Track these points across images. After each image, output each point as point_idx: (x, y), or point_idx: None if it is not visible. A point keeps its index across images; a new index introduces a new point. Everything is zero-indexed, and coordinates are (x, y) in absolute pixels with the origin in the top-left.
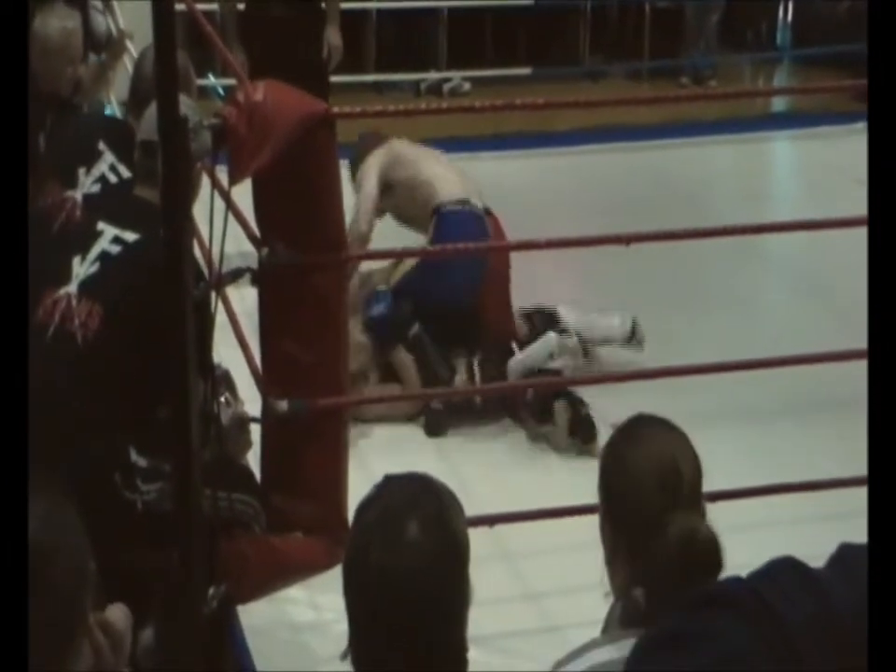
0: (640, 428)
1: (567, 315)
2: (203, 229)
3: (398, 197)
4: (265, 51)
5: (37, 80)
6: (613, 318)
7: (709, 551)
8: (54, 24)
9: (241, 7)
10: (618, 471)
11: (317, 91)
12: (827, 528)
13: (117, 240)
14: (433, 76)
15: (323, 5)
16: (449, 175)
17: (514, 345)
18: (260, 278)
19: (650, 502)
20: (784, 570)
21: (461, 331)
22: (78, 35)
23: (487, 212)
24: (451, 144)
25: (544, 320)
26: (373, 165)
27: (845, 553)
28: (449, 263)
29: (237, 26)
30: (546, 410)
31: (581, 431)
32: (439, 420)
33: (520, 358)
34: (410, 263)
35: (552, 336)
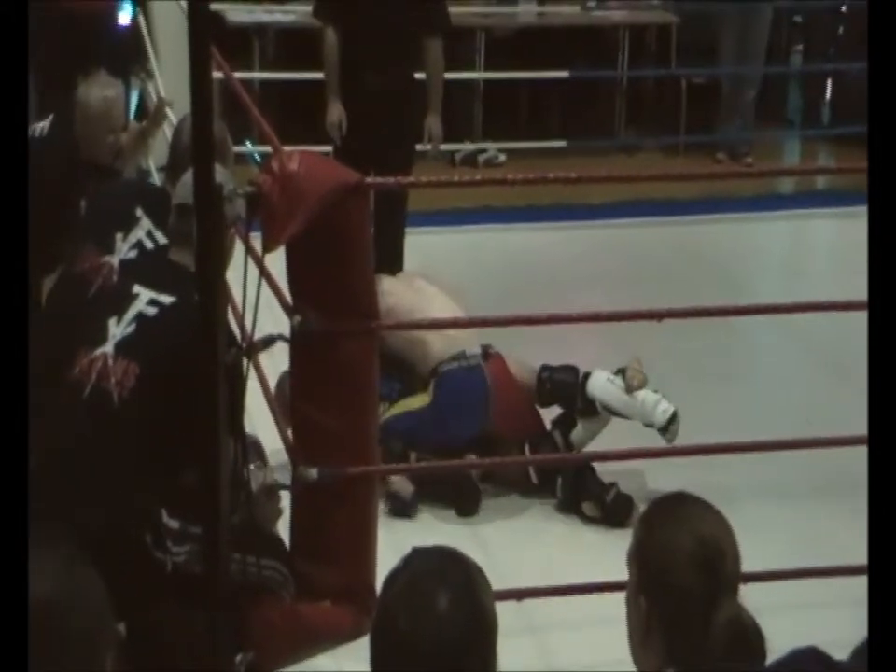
0: (681, 505)
1: (602, 387)
2: (238, 295)
3: (390, 346)
4: (354, 123)
5: (79, 147)
6: (659, 404)
7: (754, 639)
8: (96, 93)
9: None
10: (657, 546)
11: (401, 168)
12: (858, 613)
13: (153, 302)
14: (468, 147)
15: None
16: (432, 307)
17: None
18: (292, 345)
19: (692, 582)
20: (808, 662)
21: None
22: (120, 103)
23: (486, 355)
24: (485, 214)
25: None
26: None
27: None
28: (451, 419)
29: (338, 82)
30: (576, 497)
31: (615, 515)
32: (473, 497)
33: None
34: (399, 407)
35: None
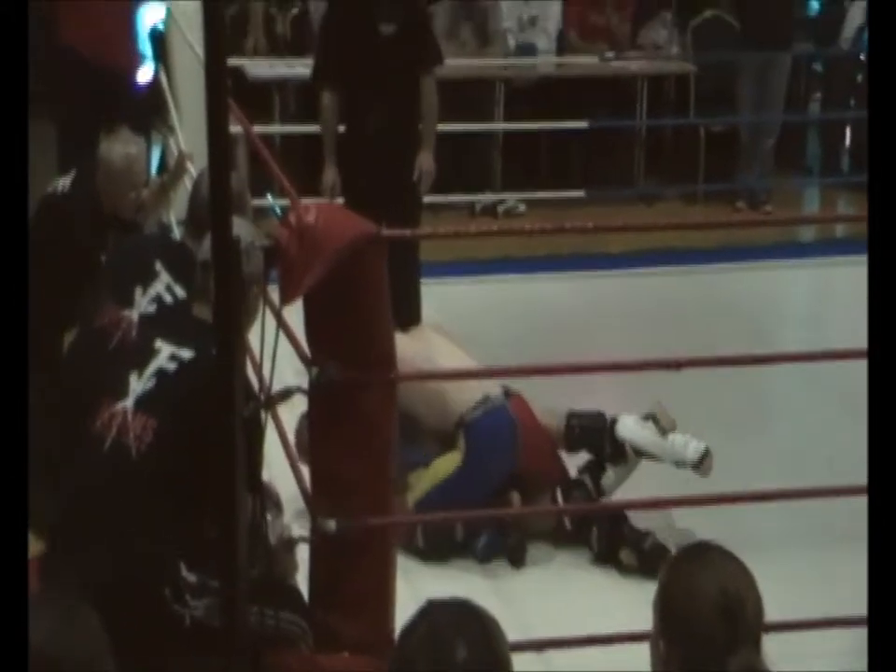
0: (705, 555)
1: (633, 429)
2: (256, 347)
3: (406, 407)
4: (361, 170)
5: (101, 202)
6: (690, 442)
7: None
8: (118, 150)
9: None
10: (680, 594)
11: (411, 211)
12: None
13: (173, 357)
14: (488, 197)
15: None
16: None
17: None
18: (310, 397)
19: (712, 630)
20: None
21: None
22: (142, 160)
23: (507, 394)
24: (505, 264)
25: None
26: None
27: None
28: (485, 465)
29: (335, 145)
30: (612, 546)
31: (652, 563)
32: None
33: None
34: (433, 476)
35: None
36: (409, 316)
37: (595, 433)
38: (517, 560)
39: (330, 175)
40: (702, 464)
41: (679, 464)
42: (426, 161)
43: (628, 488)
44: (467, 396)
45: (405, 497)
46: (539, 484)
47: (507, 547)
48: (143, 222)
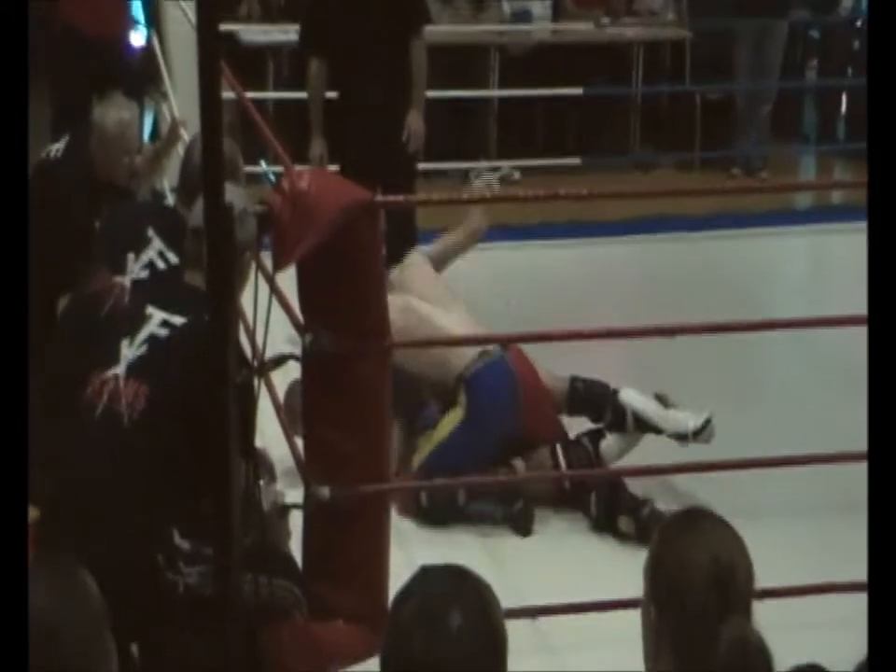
0: (697, 522)
1: (636, 398)
2: (250, 314)
3: (409, 370)
4: (353, 138)
5: (94, 169)
6: (691, 415)
7: (760, 660)
8: (112, 116)
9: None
10: (671, 561)
11: (406, 178)
12: None
13: (165, 324)
14: (483, 164)
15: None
16: (463, 330)
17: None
18: (304, 364)
19: (702, 599)
20: None
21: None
22: (135, 125)
23: (505, 348)
24: (499, 232)
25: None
26: None
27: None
28: (486, 420)
29: (322, 115)
30: (610, 513)
31: (651, 531)
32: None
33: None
34: (437, 436)
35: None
36: None
37: (597, 397)
38: (524, 529)
39: (318, 146)
40: (703, 431)
41: (681, 435)
42: (414, 122)
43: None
44: (466, 350)
45: (412, 460)
46: (539, 439)
47: (512, 515)
48: (136, 189)
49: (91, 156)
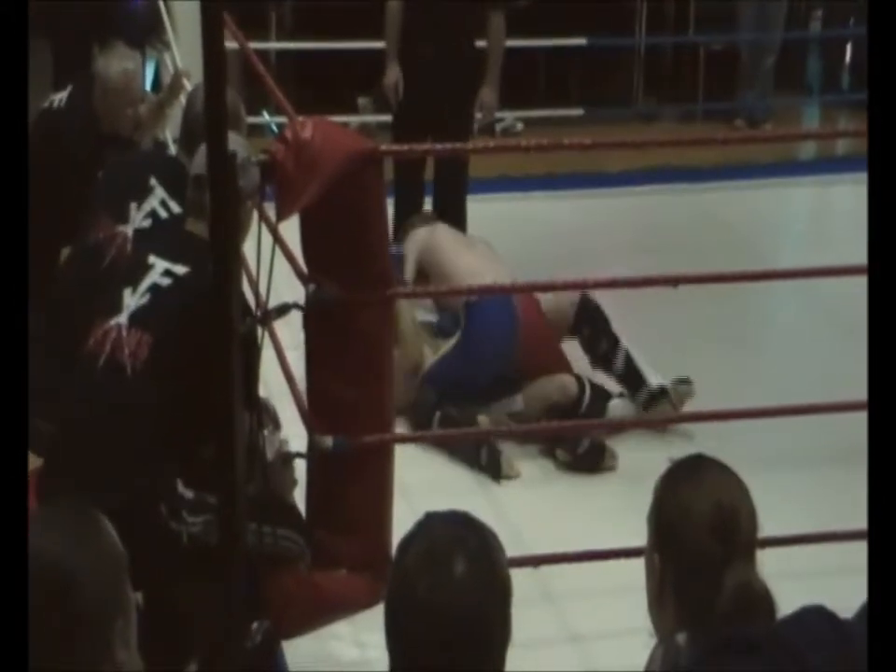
0: (701, 469)
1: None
2: (253, 264)
3: (430, 283)
4: (414, 88)
5: (98, 120)
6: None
7: (764, 605)
8: (115, 66)
9: None
10: (675, 507)
11: (461, 131)
12: None
13: (167, 273)
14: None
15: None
16: (484, 269)
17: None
18: (306, 314)
19: (705, 546)
20: (811, 618)
21: (501, 393)
22: (138, 76)
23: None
24: (502, 183)
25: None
26: (412, 249)
27: None
28: (480, 347)
29: (397, 45)
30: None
31: (586, 463)
32: (499, 461)
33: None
34: (441, 350)
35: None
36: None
37: (600, 322)
38: (494, 474)
39: (392, 74)
40: (683, 384)
41: (660, 391)
42: (487, 96)
43: None
44: (477, 280)
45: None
46: (537, 370)
47: (481, 464)
48: (140, 139)
49: (94, 107)
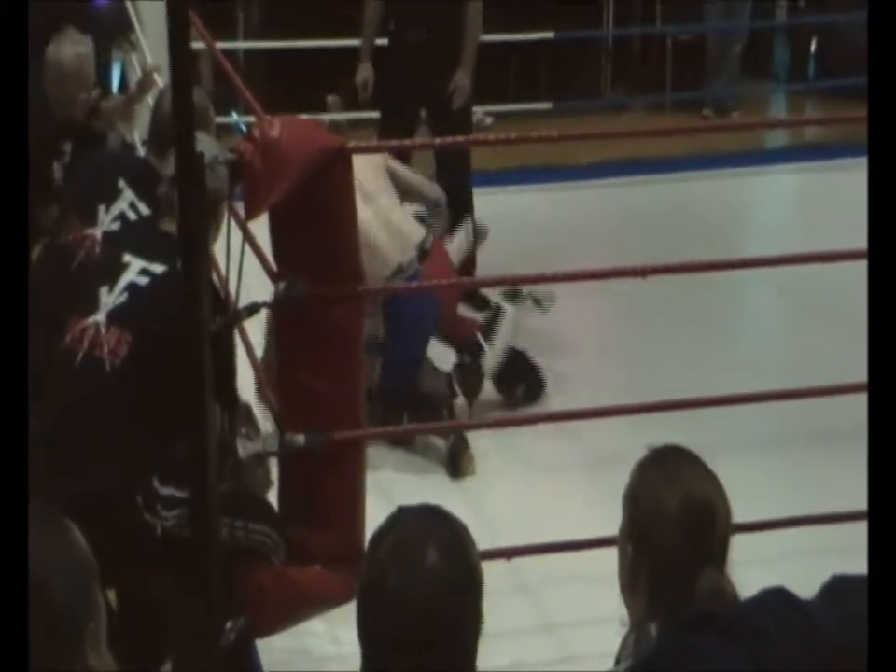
0: (677, 462)
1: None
2: (224, 263)
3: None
4: (399, 79)
5: (52, 107)
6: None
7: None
8: (67, 51)
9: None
10: (648, 501)
11: (461, 121)
12: (853, 561)
13: (144, 272)
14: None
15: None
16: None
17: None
18: (277, 312)
19: (676, 545)
20: (773, 598)
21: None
22: (91, 60)
23: (423, 253)
24: (474, 177)
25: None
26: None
27: (836, 583)
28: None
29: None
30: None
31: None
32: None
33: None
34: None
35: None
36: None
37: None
38: (455, 469)
39: (364, 71)
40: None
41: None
42: (460, 79)
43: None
44: (389, 260)
45: None
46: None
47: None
48: (107, 131)
49: (46, 96)
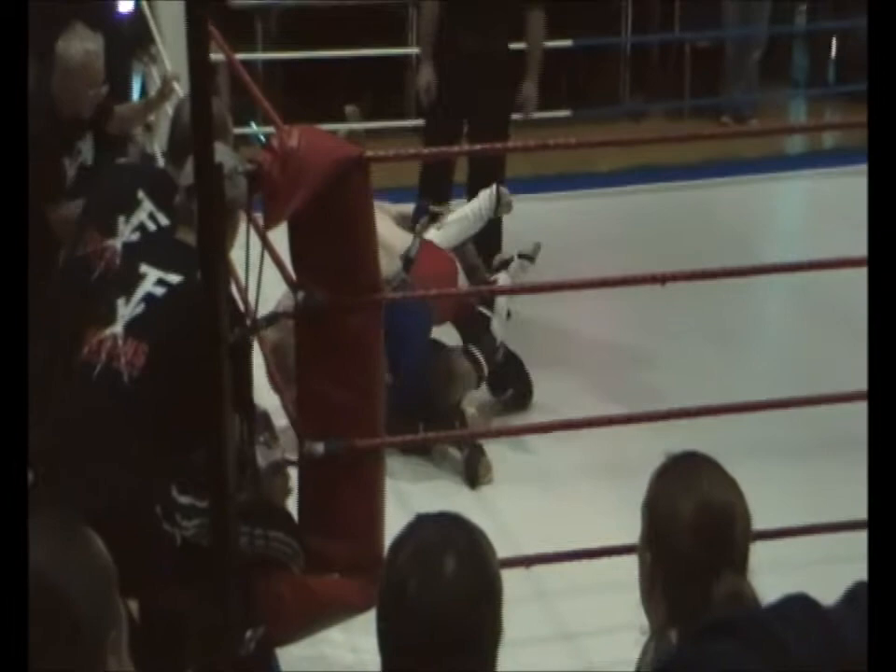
0: (697, 469)
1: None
2: (243, 273)
3: None
4: (452, 85)
5: (60, 103)
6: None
7: None
8: (76, 46)
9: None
10: (666, 508)
11: (501, 128)
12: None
13: (161, 282)
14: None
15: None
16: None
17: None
18: (296, 321)
19: (694, 551)
20: (794, 605)
21: None
22: (100, 57)
23: (408, 262)
24: None
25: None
26: None
27: (858, 590)
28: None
29: (432, 47)
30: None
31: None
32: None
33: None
34: None
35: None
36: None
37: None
38: (472, 479)
39: (426, 73)
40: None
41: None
42: (532, 91)
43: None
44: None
45: None
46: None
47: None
48: (126, 135)
49: (54, 93)
